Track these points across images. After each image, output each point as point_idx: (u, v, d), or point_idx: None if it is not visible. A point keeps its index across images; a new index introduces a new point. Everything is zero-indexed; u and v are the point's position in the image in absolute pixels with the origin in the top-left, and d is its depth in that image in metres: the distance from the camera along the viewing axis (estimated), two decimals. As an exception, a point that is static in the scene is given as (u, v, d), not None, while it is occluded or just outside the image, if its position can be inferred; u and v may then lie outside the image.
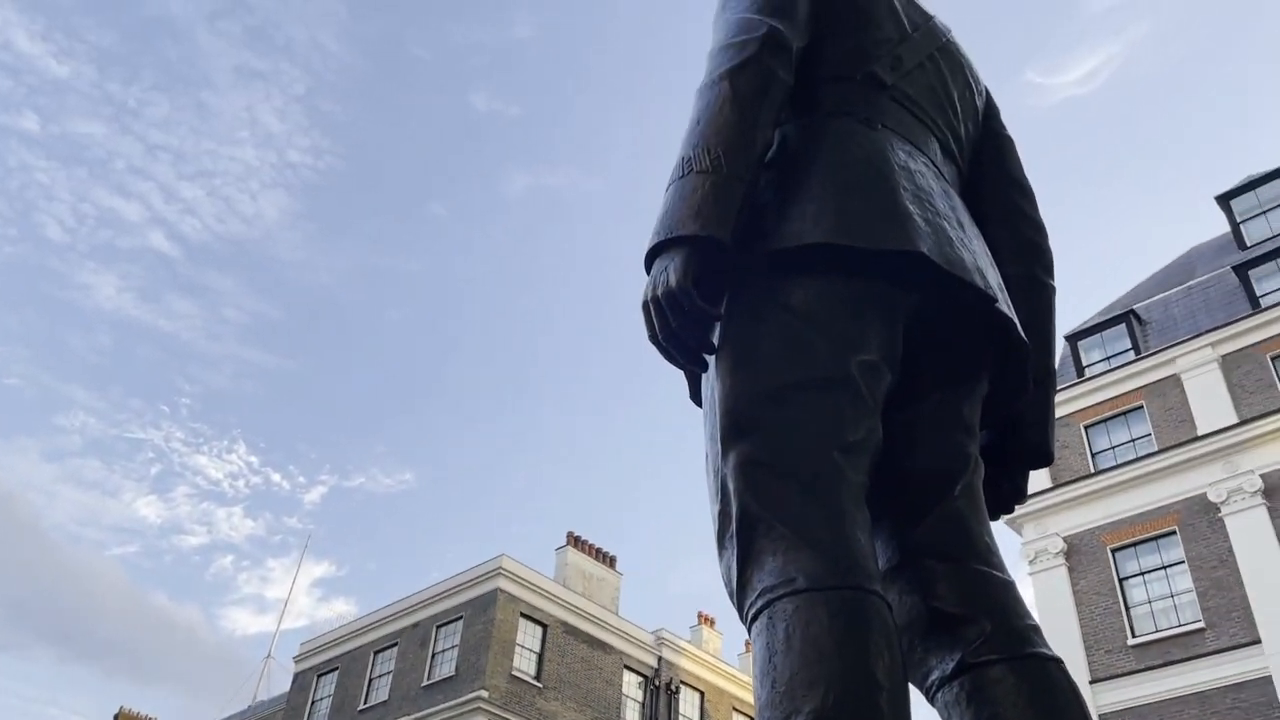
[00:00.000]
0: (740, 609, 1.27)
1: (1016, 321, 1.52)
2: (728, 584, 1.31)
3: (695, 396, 1.60)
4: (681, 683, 30.52)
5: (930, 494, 1.48)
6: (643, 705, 29.33)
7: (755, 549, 1.27)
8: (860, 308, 1.42)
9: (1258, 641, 17.22)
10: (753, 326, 1.42)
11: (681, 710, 30.14)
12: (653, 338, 1.39)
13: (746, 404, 1.36)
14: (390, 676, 28.47)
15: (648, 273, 1.41)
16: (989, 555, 1.46)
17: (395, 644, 29.05)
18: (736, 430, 1.36)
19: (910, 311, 1.48)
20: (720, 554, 1.34)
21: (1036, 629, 1.39)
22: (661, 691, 29.78)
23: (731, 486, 1.33)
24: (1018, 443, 1.67)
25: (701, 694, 30.93)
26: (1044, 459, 1.67)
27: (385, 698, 28.03)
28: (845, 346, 1.39)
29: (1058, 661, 1.34)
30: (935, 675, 1.39)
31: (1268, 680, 16.89)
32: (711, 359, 1.44)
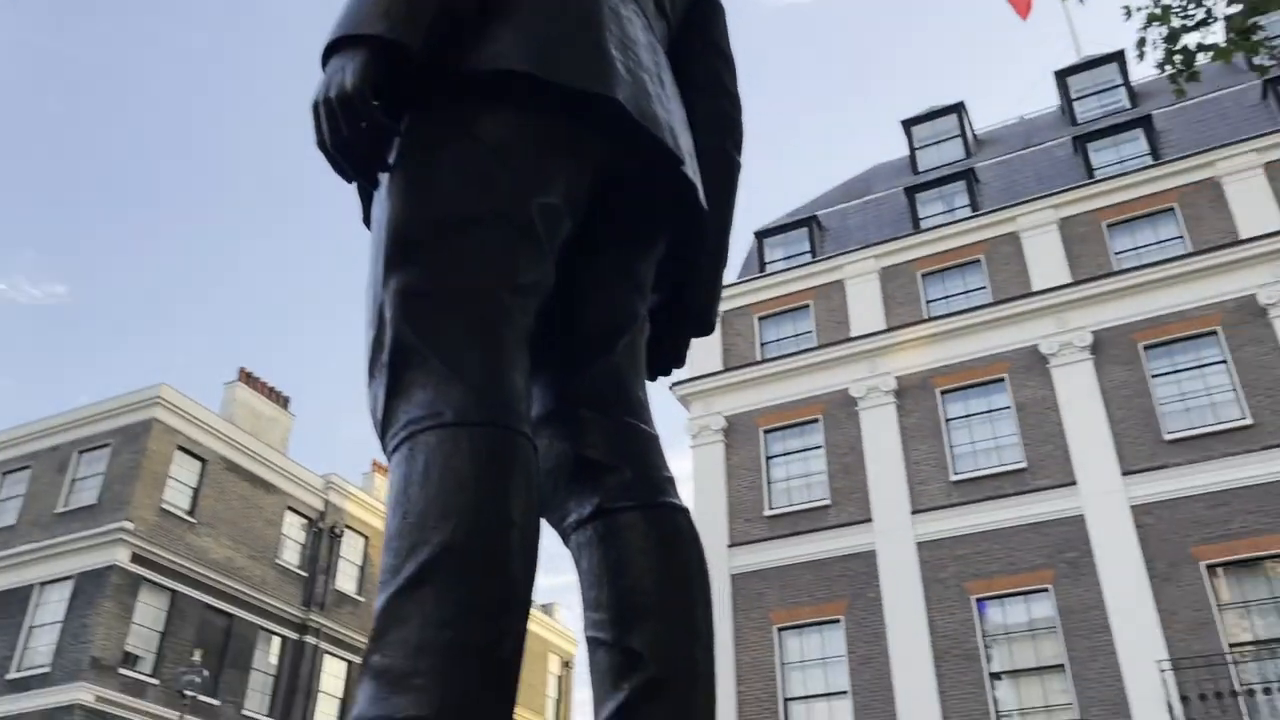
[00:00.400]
0: (383, 440, 1.22)
1: (700, 188, 1.53)
2: (374, 414, 1.25)
3: (369, 220, 1.50)
4: (347, 526, 30.38)
5: (594, 346, 1.49)
6: (304, 546, 28.97)
7: (405, 380, 1.21)
8: (549, 147, 1.36)
9: (869, 520, 19.77)
10: (434, 149, 1.32)
11: (343, 553, 30.09)
12: (321, 144, 1.26)
13: (416, 229, 1.28)
14: (20, 500, 26.15)
15: (324, 71, 1.28)
16: (640, 410, 1.50)
17: (28, 467, 26.62)
18: (402, 256, 1.28)
19: (598, 161, 1.45)
20: (370, 382, 1.27)
21: (671, 481, 1.45)
22: (325, 535, 29.52)
23: (389, 313, 1.25)
24: (683, 309, 1.71)
25: (366, 539, 30.99)
26: (706, 328, 1.73)
27: (12, 522, 25.77)
28: (528, 185, 1.33)
29: (685, 511, 1.41)
30: (573, 518, 1.42)
31: (873, 553, 19.52)
32: (385, 178, 1.35)
